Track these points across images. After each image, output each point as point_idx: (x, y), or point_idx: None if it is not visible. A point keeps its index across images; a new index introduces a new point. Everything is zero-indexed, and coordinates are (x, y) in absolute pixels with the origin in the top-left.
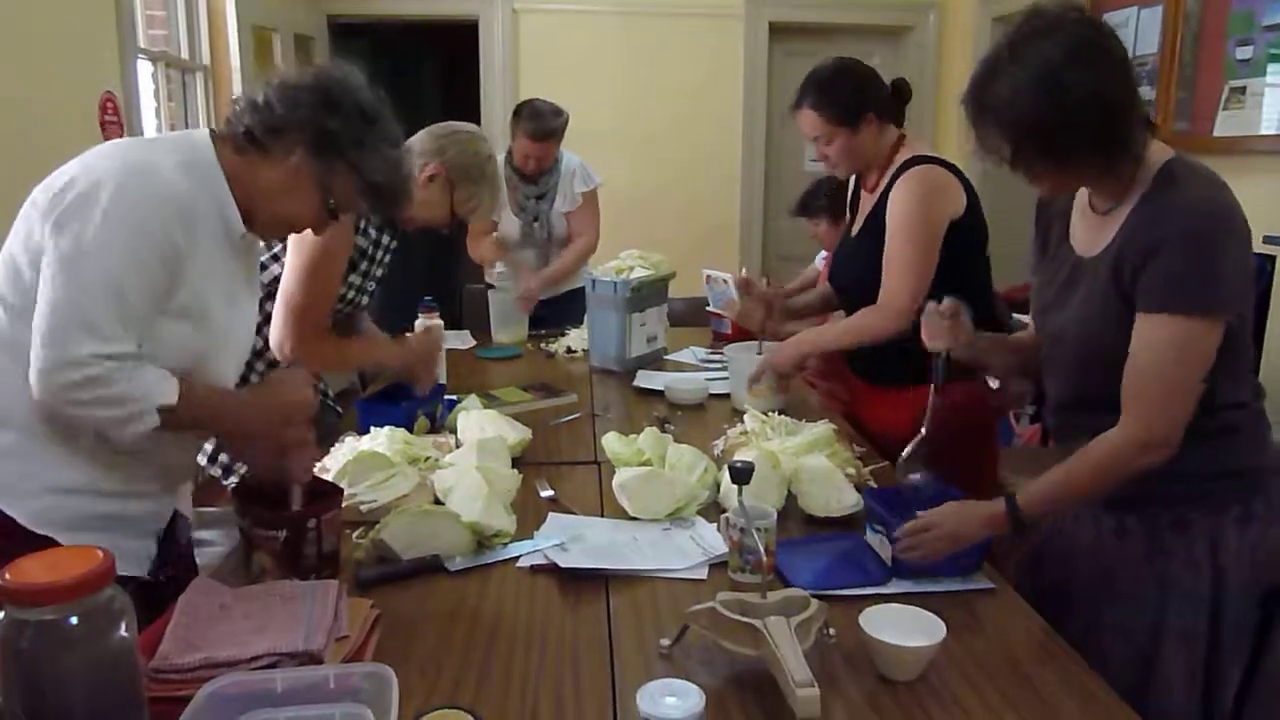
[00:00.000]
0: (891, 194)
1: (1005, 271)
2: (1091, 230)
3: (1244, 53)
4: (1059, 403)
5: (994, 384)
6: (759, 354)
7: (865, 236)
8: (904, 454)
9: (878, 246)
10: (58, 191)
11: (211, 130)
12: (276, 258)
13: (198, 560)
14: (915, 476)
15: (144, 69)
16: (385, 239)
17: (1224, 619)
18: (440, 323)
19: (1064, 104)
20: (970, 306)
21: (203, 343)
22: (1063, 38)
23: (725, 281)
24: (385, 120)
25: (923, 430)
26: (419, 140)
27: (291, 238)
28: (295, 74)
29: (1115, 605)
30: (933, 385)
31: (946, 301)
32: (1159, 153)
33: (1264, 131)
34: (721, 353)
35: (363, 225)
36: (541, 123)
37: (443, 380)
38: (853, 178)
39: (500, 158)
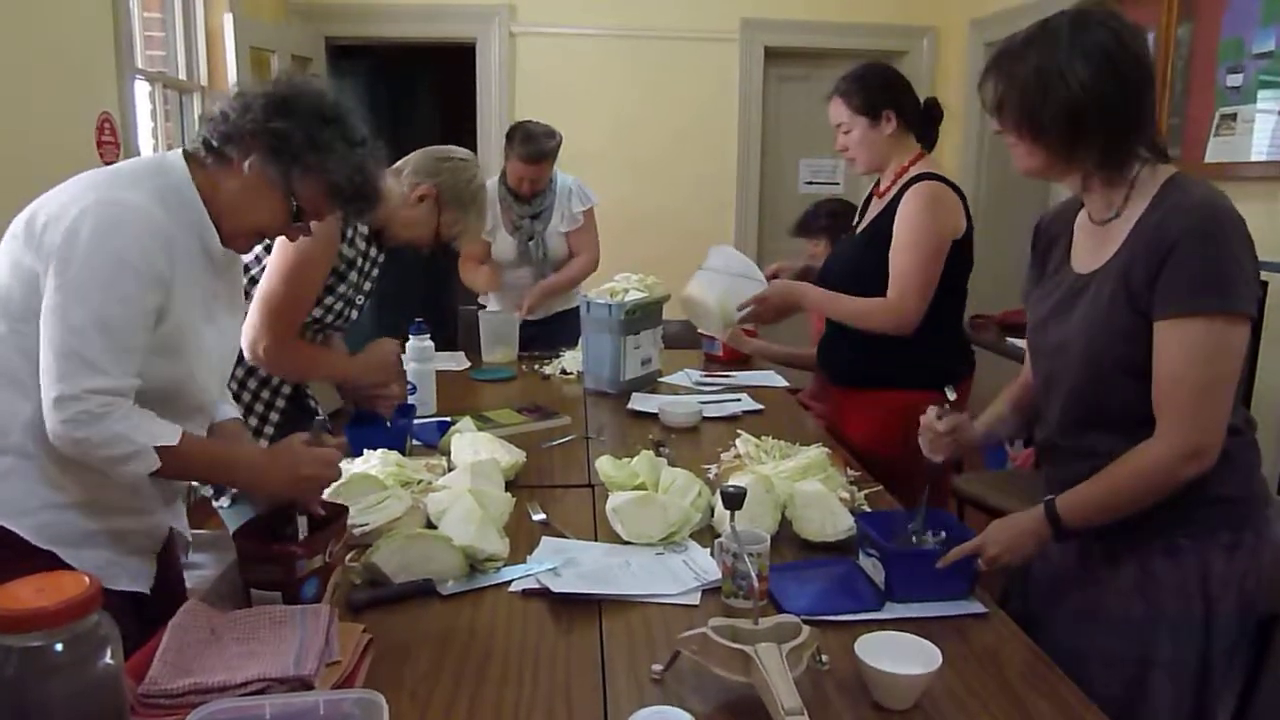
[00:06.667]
0: (902, 202)
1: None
2: (1093, 246)
3: (1234, 80)
4: (1061, 422)
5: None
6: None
7: (867, 237)
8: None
9: (876, 248)
10: (39, 232)
11: (185, 150)
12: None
13: (187, 584)
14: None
15: (141, 89)
16: (372, 251)
17: (1213, 647)
18: (430, 345)
19: (1111, 73)
20: (947, 333)
21: (184, 367)
22: (1112, 27)
23: None
24: (345, 121)
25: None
26: (415, 160)
27: (278, 240)
28: (255, 83)
29: (1102, 633)
30: (924, 500)
31: (948, 418)
32: (1165, 172)
33: (1254, 158)
34: (716, 375)
35: (349, 235)
36: (535, 145)
37: (409, 401)
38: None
39: (494, 179)
